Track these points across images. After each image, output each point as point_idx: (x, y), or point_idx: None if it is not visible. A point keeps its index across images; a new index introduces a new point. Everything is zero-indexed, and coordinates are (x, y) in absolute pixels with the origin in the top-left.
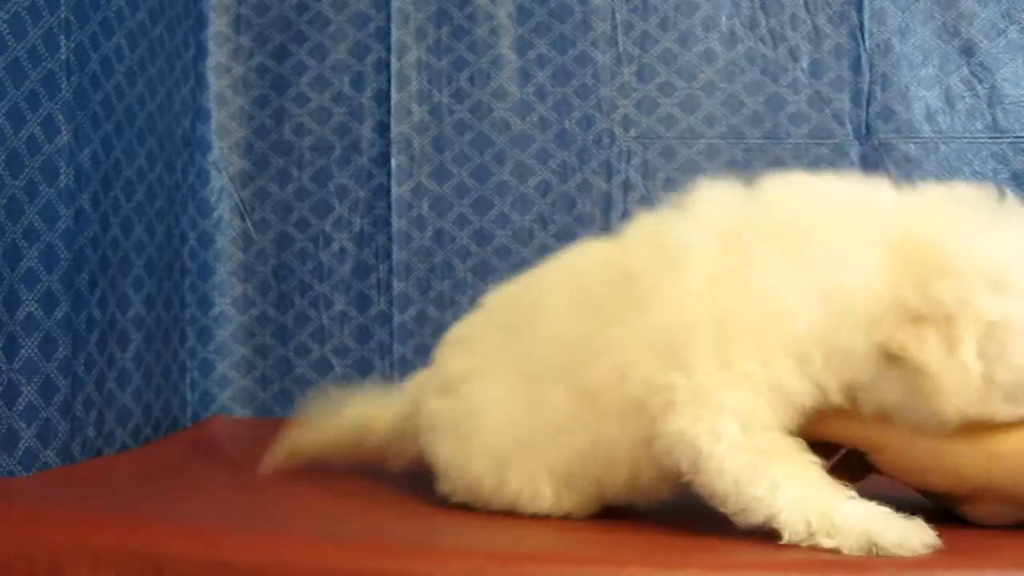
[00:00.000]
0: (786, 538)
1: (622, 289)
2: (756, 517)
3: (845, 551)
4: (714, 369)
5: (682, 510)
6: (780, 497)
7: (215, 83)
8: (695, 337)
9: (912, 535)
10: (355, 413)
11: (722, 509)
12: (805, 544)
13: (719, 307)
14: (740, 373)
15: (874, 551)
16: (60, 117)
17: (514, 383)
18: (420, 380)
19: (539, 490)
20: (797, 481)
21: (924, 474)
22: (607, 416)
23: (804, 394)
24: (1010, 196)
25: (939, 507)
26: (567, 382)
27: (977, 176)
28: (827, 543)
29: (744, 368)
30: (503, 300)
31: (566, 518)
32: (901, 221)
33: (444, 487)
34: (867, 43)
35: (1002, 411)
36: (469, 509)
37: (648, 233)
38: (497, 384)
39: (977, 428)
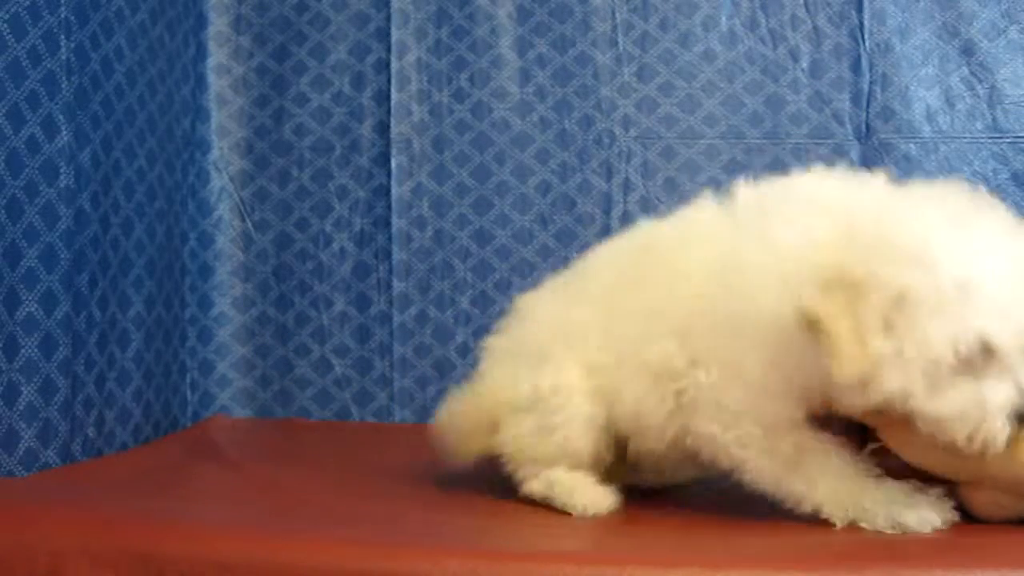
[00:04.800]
0: (838, 525)
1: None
2: (805, 509)
3: (880, 530)
4: (725, 370)
5: (679, 510)
6: (818, 491)
7: (215, 83)
8: (699, 326)
9: (930, 514)
10: None
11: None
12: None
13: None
14: (749, 377)
15: (900, 529)
16: (60, 117)
17: (556, 300)
18: None
19: (569, 379)
20: (827, 473)
21: (925, 453)
22: (624, 361)
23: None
24: (983, 194)
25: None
26: (601, 312)
27: (977, 176)
28: (865, 525)
29: (750, 372)
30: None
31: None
32: (844, 210)
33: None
34: (867, 43)
35: (922, 393)
36: (469, 509)
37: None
38: (543, 301)
39: None
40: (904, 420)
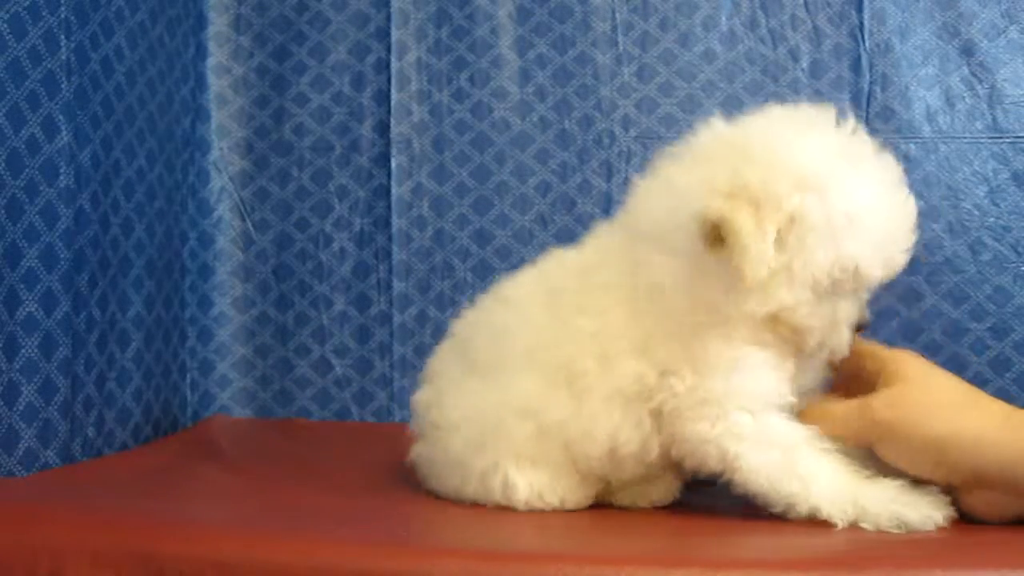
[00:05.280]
0: (839, 526)
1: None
2: (800, 512)
3: (882, 529)
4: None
5: (679, 510)
6: (814, 492)
7: (215, 83)
8: (658, 337)
9: (933, 511)
10: None
11: (765, 507)
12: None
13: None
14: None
15: (903, 528)
16: (60, 117)
17: (468, 385)
18: None
19: (507, 476)
20: (823, 473)
21: (920, 464)
22: (586, 396)
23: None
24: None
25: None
26: (537, 365)
27: (977, 176)
28: (866, 526)
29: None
30: (461, 327)
31: (537, 501)
32: (740, 130)
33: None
34: (867, 43)
35: (806, 304)
36: (469, 509)
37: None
38: (452, 395)
39: (967, 422)
40: (897, 430)
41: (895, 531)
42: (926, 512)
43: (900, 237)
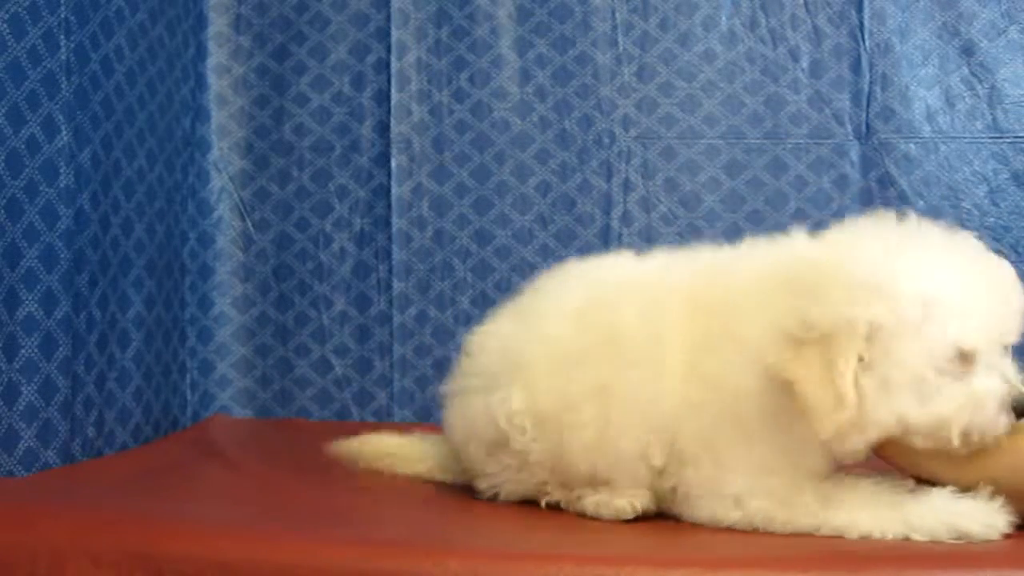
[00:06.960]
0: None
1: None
2: (851, 537)
3: (939, 540)
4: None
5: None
6: (862, 520)
7: (215, 83)
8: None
9: (993, 518)
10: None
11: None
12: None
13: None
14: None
15: (963, 538)
16: (60, 117)
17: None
18: None
19: None
20: (862, 499)
21: (927, 464)
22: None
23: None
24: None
25: None
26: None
27: (977, 176)
28: (919, 539)
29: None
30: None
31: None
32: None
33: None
34: (867, 43)
35: (914, 410)
36: (469, 509)
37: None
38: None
39: None
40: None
41: (954, 542)
42: (986, 520)
43: (990, 301)
